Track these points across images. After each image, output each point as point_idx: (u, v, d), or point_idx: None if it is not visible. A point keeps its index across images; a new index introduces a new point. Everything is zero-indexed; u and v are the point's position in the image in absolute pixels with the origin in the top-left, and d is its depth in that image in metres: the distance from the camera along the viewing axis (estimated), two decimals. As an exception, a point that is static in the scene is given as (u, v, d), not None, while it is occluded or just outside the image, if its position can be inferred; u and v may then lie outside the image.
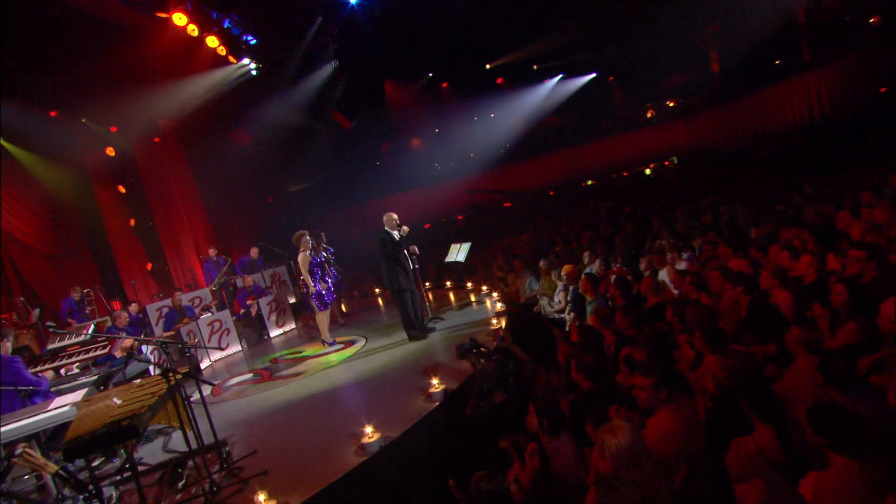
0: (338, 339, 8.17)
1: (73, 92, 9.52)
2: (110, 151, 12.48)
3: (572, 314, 6.85)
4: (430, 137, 22.12)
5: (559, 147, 22.13)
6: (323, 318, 7.91)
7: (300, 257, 7.71)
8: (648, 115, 22.18)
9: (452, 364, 5.48)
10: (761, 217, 7.65)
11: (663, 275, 6.33)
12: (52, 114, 10.29)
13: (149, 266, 13.42)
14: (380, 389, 5.54)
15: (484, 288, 9.17)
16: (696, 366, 3.80)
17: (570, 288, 7.05)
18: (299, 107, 14.32)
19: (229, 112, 13.23)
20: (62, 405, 4.17)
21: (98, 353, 5.40)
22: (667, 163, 20.60)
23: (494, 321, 6.67)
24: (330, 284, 8.64)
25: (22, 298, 9.48)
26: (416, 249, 7.01)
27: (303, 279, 7.87)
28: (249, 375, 7.62)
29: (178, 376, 4.25)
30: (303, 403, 5.82)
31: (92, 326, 6.02)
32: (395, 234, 6.99)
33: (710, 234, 6.93)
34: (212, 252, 12.13)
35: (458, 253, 8.60)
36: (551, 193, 21.34)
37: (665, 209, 10.59)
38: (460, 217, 21.83)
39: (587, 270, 7.27)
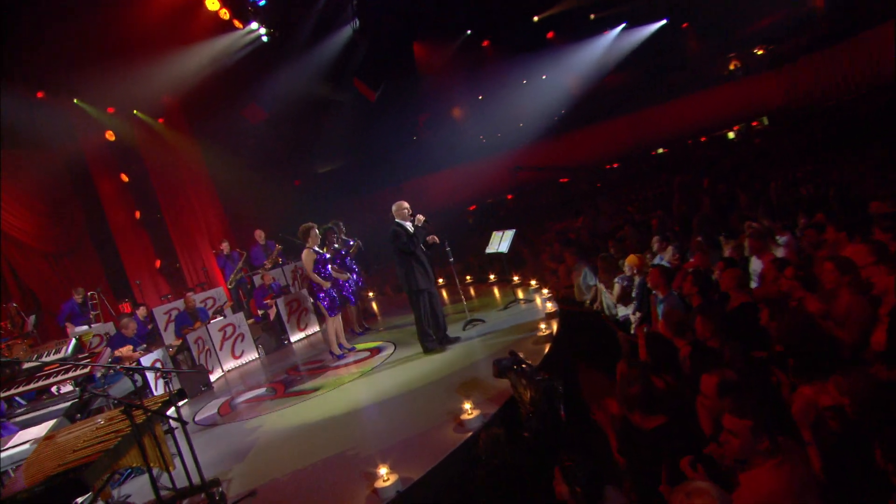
0: (361, 347, 8.14)
1: (59, 68, 9.50)
2: (110, 136, 12.61)
3: (637, 314, 6.44)
4: (472, 106, 21.74)
5: (623, 111, 21.25)
6: (331, 326, 7.80)
7: (304, 255, 7.63)
8: (731, 66, 20.89)
9: (491, 381, 5.09)
10: (881, 187, 6.81)
11: (756, 265, 5.62)
12: (39, 94, 10.31)
13: (157, 263, 13.62)
14: (402, 413, 5.32)
15: (533, 283, 8.81)
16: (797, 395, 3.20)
17: (636, 281, 6.59)
18: (319, 76, 14.10)
19: (240, 86, 13.22)
20: (20, 443, 3.94)
21: (79, 372, 5.19)
22: (755, 123, 19.37)
23: (543, 325, 6.19)
24: (349, 284, 8.58)
25: (15, 304, 9.64)
26: (436, 238, 6.77)
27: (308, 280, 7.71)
28: (262, 390, 7.63)
29: (157, 406, 3.95)
30: (314, 429, 5.62)
31: (73, 341, 5.80)
32: (408, 225, 6.79)
33: (819, 214, 6.17)
34: (224, 246, 12.15)
35: (501, 242, 8.22)
36: (615, 166, 20.50)
37: (754, 180, 9.85)
38: (510, 196, 21.43)
39: (657, 260, 6.91)
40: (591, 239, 9.98)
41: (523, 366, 4.61)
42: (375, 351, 7.79)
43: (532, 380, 4.38)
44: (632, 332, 6.35)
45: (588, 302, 7.80)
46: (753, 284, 5.65)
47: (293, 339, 10.38)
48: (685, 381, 4.15)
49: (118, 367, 4.58)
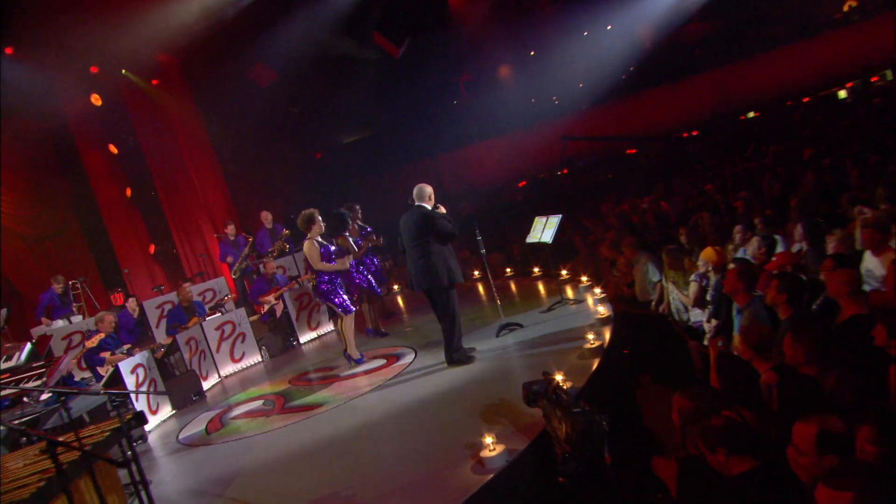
0: (380, 353, 8.11)
1: (28, 18, 9.38)
2: (96, 100, 12.71)
3: (713, 322, 5.99)
4: (522, 64, 21.32)
5: (705, 66, 20.61)
6: (349, 325, 7.78)
7: (306, 246, 7.58)
8: (846, 7, 19.64)
9: (523, 405, 4.81)
10: None
11: (872, 264, 5.13)
12: (8, 51, 10.29)
13: (152, 248, 13.74)
14: (413, 443, 5.16)
15: (584, 279, 8.50)
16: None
17: (713, 281, 6.17)
18: (337, 30, 13.88)
19: (245, 42, 13.17)
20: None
21: (33, 382, 5.02)
22: (874, 79, 18.23)
23: (592, 336, 5.88)
24: (369, 278, 8.65)
25: (-18, 296, 9.73)
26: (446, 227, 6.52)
27: (306, 276, 7.58)
28: (259, 403, 7.61)
29: (102, 436, 3.69)
30: (308, 458, 5.46)
31: (28, 346, 5.66)
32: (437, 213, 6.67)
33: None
34: (230, 230, 12.09)
35: (544, 230, 7.95)
36: (693, 134, 19.75)
37: (871, 152, 9.20)
38: (565, 171, 21.06)
39: (739, 254, 6.46)
40: (658, 225, 9.45)
41: (560, 393, 4.20)
42: (392, 359, 7.71)
43: (569, 412, 4.00)
44: (705, 343, 5.91)
45: (653, 304, 7.44)
46: (865, 288, 5.07)
47: (303, 339, 10.39)
48: (770, 421, 3.66)
49: (46, 389, 4.31)
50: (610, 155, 20.27)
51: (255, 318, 10.80)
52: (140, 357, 8.09)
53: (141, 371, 7.95)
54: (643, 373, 6.32)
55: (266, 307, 10.71)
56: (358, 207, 9.54)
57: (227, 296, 11.10)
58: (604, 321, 6.67)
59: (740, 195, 9.06)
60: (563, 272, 9.18)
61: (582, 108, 20.70)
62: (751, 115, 20.00)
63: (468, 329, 7.66)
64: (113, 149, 13.33)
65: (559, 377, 4.94)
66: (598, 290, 7.75)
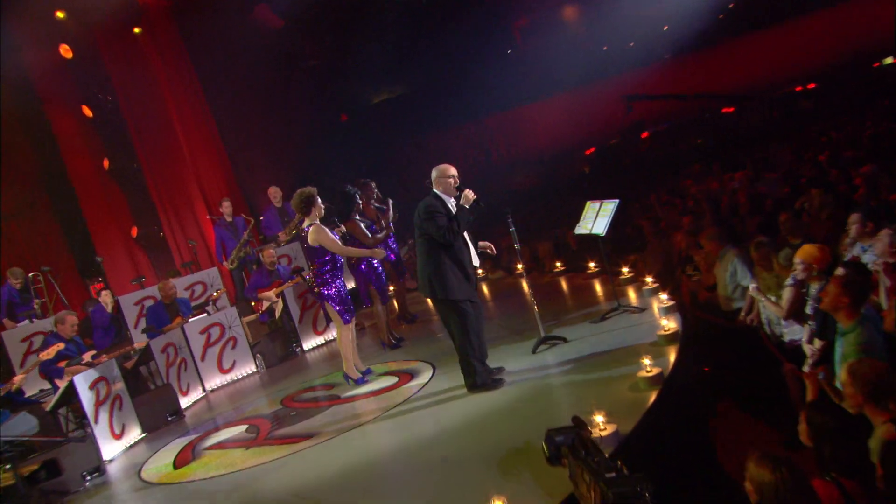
0: (385, 370, 8.10)
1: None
2: (65, 52, 12.60)
3: (816, 343, 5.63)
4: (590, 5, 20.86)
5: (826, 1, 19.78)
6: (346, 336, 7.71)
7: (313, 232, 7.41)
8: None
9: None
10: None
11: None
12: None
13: (134, 231, 13.71)
14: (408, 498, 5.04)
15: (648, 280, 8.12)
16: None
17: (814, 288, 5.83)
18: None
19: None
20: None
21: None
22: None
23: (647, 361, 5.52)
24: (380, 271, 8.58)
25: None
26: (470, 194, 6.43)
27: (306, 272, 7.91)
28: (242, 429, 7.59)
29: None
30: None
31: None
32: (450, 200, 6.45)
33: None
34: (225, 208, 12.05)
35: (596, 219, 7.67)
36: (808, 88, 19.11)
37: None
38: (644, 135, 20.54)
39: (856, 252, 6.22)
40: (752, 209, 9.11)
41: (589, 448, 3.79)
42: (405, 378, 7.61)
43: (600, 476, 3.56)
44: (805, 369, 5.63)
45: (742, 314, 7.10)
46: None
47: (307, 345, 10.37)
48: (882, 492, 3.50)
49: None
50: (701, 116, 19.56)
51: (251, 317, 10.81)
52: (102, 369, 7.98)
53: (102, 386, 7.84)
54: (723, 398, 6.30)
55: (265, 305, 10.65)
56: (373, 185, 9.39)
57: (217, 290, 11.08)
58: (669, 339, 6.30)
59: (862, 170, 8.63)
60: (625, 269, 8.91)
61: (665, 58, 20.00)
62: (888, 60, 19.08)
63: (499, 341, 7.62)
64: (87, 111, 13.28)
65: (599, 419, 4.67)
66: (664, 297, 7.33)
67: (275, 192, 11.96)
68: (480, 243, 6.74)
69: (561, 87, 20.17)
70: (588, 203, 8.01)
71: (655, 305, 7.44)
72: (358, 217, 8.58)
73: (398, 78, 20.55)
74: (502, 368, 6.68)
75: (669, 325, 6.43)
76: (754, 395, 6.07)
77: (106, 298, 10.73)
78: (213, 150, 14.08)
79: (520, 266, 10.56)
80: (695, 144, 18.69)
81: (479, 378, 6.39)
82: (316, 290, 7.65)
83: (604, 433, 4.61)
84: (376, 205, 9.18)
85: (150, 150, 13.48)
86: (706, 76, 20.36)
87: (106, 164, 13.57)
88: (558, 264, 10.40)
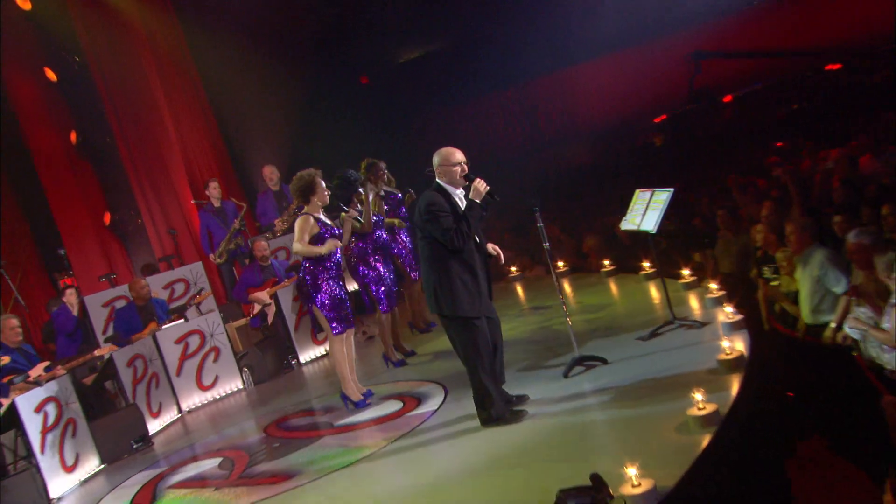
0: (397, 391, 8.12)
1: None
2: (23, 2, 12.57)
3: None
4: None
5: None
6: (339, 351, 7.70)
7: (299, 223, 7.45)
8: None
9: None
10: None
11: None
12: None
13: (107, 218, 13.76)
14: None
15: (712, 287, 7.94)
16: None
17: None
18: None
19: None
20: None
21: None
22: None
23: (699, 397, 5.29)
24: (384, 273, 8.67)
25: None
26: (479, 183, 6.25)
27: (298, 272, 7.82)
28: (215, 463, 7.64)
29: None
30: None
31: None
32: (457, 193, 6.26)
33: None
34: (213, 190, 12.06)
35: (646, 212, 7.55)
36: None
37: None
38: (728, 99, 20.08)
39: None
40: (848, 197, 8.64)
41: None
42: (411, 403, 7.59)
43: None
44: None
45: (831, 331, 6.88)
46: None
47: (304, 356, 10.45)
48: None
49: None
50: (798, 75, 19.18)
51: (241, 322, 10.90)
52: (52, 388, 7.97)
53: (52, 409, 7.85)
54: (805, 435, 6.11)
55: (257, 307, 10.71)
56: (383, 166, 9.26)
57: (201, 291, 11.07)
58: (732, 365, 6.04)
59: None
60: (685, 272, 8.70)
61: (753, 2, 19.65)
62: None
63: (525, 360, 7.61)
64: (50, 74, 13.29)
65: (631, 471, 4.43)
66: (729, 310, 7.09)
67: (271, 173, 11.99)
68: (488, 247, 6.56)
69: (621, 43, 19.79)
70: (637, 192, 7.88)
71: (720, 317, 7.23)
72: (359, 207, 8.54)
73: (430, 32, 20.29)
74: (525, 397, 6.56)
75: (733, 346, 6.23)
76: (845, 431, 5.88)
77: (71, 298, 10.80)
78: (202, 120, 14.04)
79: (562, 263, 10.85)
80: (790, 111, 18.18)
81: (495, 410, 6.27)
82: (305, 291, 7.62)
83: (637, 490, 4.40)
84: (386, 189, 9.08)
85: (126, 121, 13.40)
86: (802, 27, 19.74)
87: (73, 137, 13.61)
88: (607, 262, 10.27)
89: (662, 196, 7.43)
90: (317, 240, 7.40)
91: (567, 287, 10.31)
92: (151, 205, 13.46)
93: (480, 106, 19.75)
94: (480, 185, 6.13)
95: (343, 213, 8.15)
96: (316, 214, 7.44)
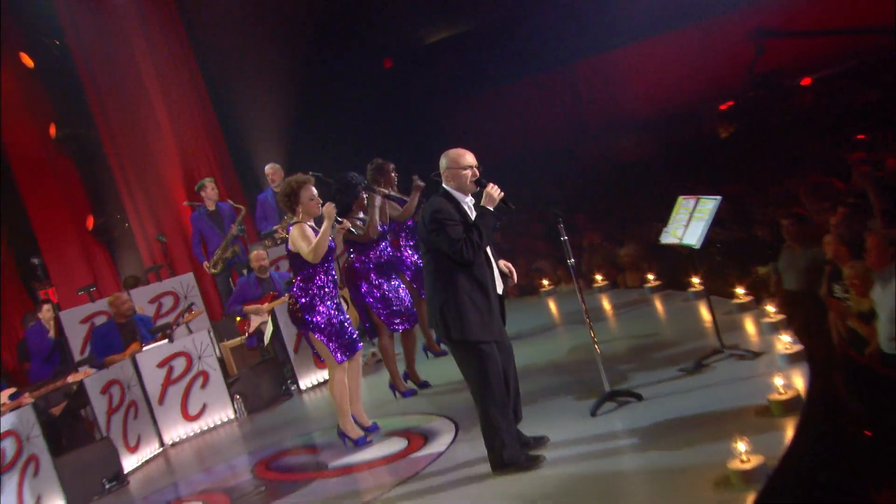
0: (402, 427, 8.07)
1: None
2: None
3: None
4: None
5: None
6: (338, 383, 7.67)
7: (294, 232, 7.40)
8: None
9: None
10: None
11: None
12: None
13: (90, 222, 13.74)
14: None
15: (769, 310, 7.76)
16: None
17: None
18: None
19: None
20: None
21: None
22: None
23: (742, 448, 5.11)
24: (388, 292, 8.58)
25: None
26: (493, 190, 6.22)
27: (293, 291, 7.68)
28: None
29: None
30: None
31: None
32: (466, 201, 6.19)
33: None
34: (209, 191, 12.07)
35: (689, 224, 7.42)
36: None
37: None
38: (806, 81, 19.90)
39: None
40: None
41: None
42: (417, 441, 7.54)
43: None
44: None
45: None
46: None
47: (305, 383, 10.41)
48: None
49: None
50: (877, 59, 18.72)
51: (236, 341, 10.93)
52: (12, 420, 7.96)
53: (10, 444, 7.84)
54: (885, 485, 5.99)
55: (253, 324, 10.74)
56: (391, 167, 9.31)
57: (191, 307, 11.04)
58: (786, 407, 5.83)
59: None
60: (739, 290, 8.52)
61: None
62: None
63: (547, 394, 7.54)
64: (27, 60, 13.33)
65: None
66: (786, 339, 6.88)
67: (273, 172, 11.97)
68: (500, 264, 6.49)
69: (681, 19, 19.56)
70: (679, 199, 7.74)
71: (779, 346, 7.04)
72: (361, 214, 8.53)
73: (460, 11, 20.26)
74: (544, 439, 6.44)
75: (789, 384, 6.04)
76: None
77: (47, 314, 10.96)
78: (200, 112, 14.04)
79: (599, 277, 10.81)
80: (870, 100, 17.81)
81: (507, 453, 6.13)
82: (298, 315, 7.53)
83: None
84: (394, 195, 9.04)
85: (113, 112, 13.44)
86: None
87: (53, 130, 13.65)
88: (650, 277, 10.11)
89: (709, 205, 7.29)
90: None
91: (605, 305, 10.21)
92: (140, 207, 13.51)
93: (516, 93, 19.85)
94: (494, 191, 6.05)
95: (336, 224, 8.01)
96: (311, 224, 7.41)
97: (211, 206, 11.89)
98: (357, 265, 8.46)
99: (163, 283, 11.55)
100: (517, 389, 6.42)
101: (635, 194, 15.61)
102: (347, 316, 7.69)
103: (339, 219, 7.90)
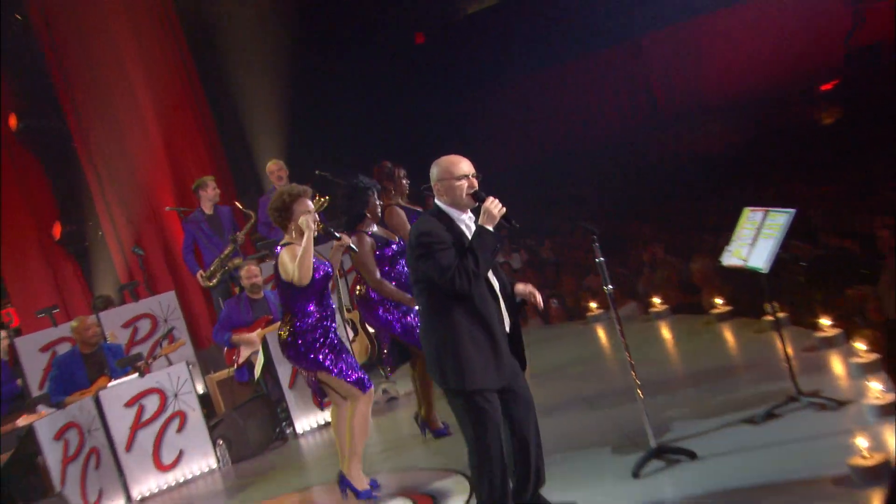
0: (408, 483, 8.11)
1: None
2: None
3: None
4: None
5: None
6: (363, 416, 7.78)
7: (284, 256, 7.43)
8: None
9: None
10: None
11: None
12: None
13: (57, 229, 13.84)
14: None
15: (860, 347, 7.55)
16: None
17: None
18: None
19: None
20: None
21: None
22: None
23: None
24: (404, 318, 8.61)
25: None
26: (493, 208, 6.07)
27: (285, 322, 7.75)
28: None
29: None
30: None
31: None
32: (463, 220, 6.05)
33: None
34: (210, 189, 12.11)
35: (756, 243, 7.33)
36: None
37: None
38: None
39: None
40: None
41: None
42: (425, 502, 7.53)
43: None
44: None
45: None
46: None
47: (301, 426, 10.48)
48: None
49: None
50: None
51: (223, 374, 10.99)
52: None
53: None
54: None
55: (243, 354, 10.75)
56: (402, 172, 9.32)
57: (171, 332, 11.09)
58: (871, 475, 5.60)
59: None
60: (824, 321, 8.31)
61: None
62: None
63: (579, 449, 7.46)
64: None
65: None
66: (877, 387, 6.61)
67: (279, 169, 12.00)
68: (519, 288, 6.34)
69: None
70: (745, 212, 7.60)
71: (872, 390, 6.74)
72: (375, 228, 8.49)
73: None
74: None
75: (878, 444, 5.86)
76: None
77: (3, 342, 11.03)
78: (191, 102, 14.18)
79: (657, 301, 10.78)
80: None
81: None
82: (292, 355, 7.57)
83: None
84: (404, 205, 9.03)
85: (85, 101, 13.51)
86: None
87: (12, 121, 13.73)
88: (719, 301, 9.92)
89: (779, 219, 7.15)
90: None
91: (664, 334, 10.11)
92: (116, 213, 13.59)
93: (571, 72, 20.12)
94: (493, 207, 5.86)
95: (335, 241, 7.96)
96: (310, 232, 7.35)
97: (209, 210, 11.89)
98: (373, 294, 8.44)
99: (139, 303, 11.53)
100: (539, 446, 6.25)
101: (710, 196, 15.39)
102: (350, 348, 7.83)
103: (337, 234, 7.93)
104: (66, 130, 13.67)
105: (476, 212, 5.97)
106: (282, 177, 12.03)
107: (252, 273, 10.77)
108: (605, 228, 13.73)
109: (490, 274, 6.04)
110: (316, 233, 7.53)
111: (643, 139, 19.94)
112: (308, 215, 7.34)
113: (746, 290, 10.12)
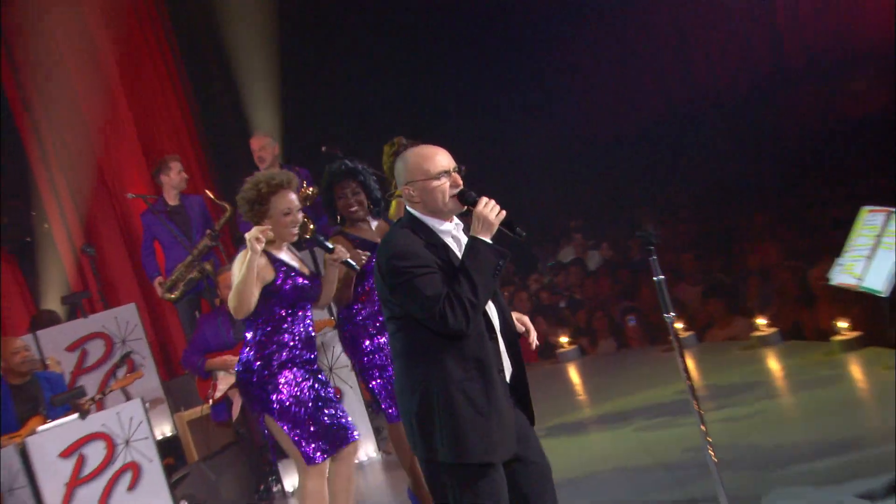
0: None
1: None
2: None
3: None
4: None
5: None
6: (315, 490, 7.64)
7: (235, 262, 7.38)
8: None
9: None
10: None
11: None
12: None
13: None
14: None
15: None
16: None
17: None
18: None
19: None
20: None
21: None
22: None
23: None
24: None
25: None
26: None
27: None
28: None
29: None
30: None
31: None
32: (445, 228, 5.76)
33: None
34: (174, 174, 12.15)
35: (874, 256, 6.92)
36: None
37: None
38: None
39: None
40: None
41: None
42: None
43: None
44: None
45: None
46: None
47: (291, 484, 10.46)
48: None
49: None
50: None
51: (195, 411, 11.10)
52: None
53: None
54: None
55: (221, 386, 10.76)
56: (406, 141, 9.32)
57: (127, 357, 11.12)
58: None
59: None
60: None
61: None
62: None
63: None
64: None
65: None
66: None
67: (260, 149, 12.05)
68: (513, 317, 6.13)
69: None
70: (863, 212, 7.13)
71: None
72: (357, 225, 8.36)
73: None
74: None
75: None
76: None
77: None
78: (161, 52, 14.47)
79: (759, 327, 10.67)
80: None
81: None
82: (248, 388, 7.45)
83: None
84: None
85: (28, 64, 13.79)
86: None
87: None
88: (842, 325, 9.67)
89: None
90: (271, 294, 7.19)
91: (769, 365, 9.86)
92: (66, 204, 13.63)
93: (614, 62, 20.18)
94: (489, 211, 5.53)
95: (326, 252, 7.80)
96: (274, 252, 7.29)
97: (173, 200, 11.91)
98: (361, 315, 8.26)
99: (89, 319, 11.54)
100: None
101: (848, 179, 14.90)
102: (334, 388, 7.76)
103: (330, 245, 7.73)
104: (12, 116, 13.87)
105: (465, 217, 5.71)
106: (264, 158, 12.10)
107: (231, 282, 10.59)
108: (705, 219, 13.54)
109: (498, 308, 5.78)
110: (299, 237, 7.51)
111: (761, 99, 19.83)
112: (289, 216, 7.21)
113: (879, 310, 10.09)
